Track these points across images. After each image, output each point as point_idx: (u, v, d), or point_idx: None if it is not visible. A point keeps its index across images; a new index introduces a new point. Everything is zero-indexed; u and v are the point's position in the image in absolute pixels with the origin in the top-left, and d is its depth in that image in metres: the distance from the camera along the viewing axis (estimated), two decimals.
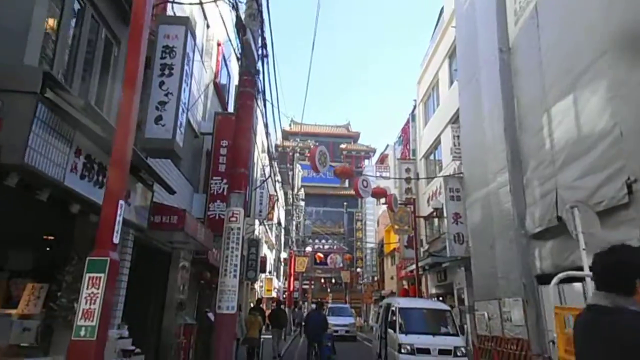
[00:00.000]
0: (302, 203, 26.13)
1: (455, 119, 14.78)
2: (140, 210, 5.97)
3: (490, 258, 11.12)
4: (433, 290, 17.53)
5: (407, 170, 20.37)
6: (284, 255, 32.99)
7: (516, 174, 10.13)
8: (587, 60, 7.45)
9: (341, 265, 35.96)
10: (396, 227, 14.24)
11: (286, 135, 61.26)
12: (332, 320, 18.21)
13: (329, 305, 23.77)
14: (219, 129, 10.17)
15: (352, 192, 50.12)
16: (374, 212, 40.69)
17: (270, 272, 24.97)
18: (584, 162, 7.38)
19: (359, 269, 39.63)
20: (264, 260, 21.16)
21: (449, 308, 10.07)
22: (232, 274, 5.97)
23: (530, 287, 9.45)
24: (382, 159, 46.94)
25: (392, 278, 25.57)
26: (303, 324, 16.00)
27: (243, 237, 6.10)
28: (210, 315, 11.23)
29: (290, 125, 64.94)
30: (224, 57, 12.36)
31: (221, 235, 6.15)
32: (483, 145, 11.76)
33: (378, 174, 44.10)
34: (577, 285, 6.98)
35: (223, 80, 12.90)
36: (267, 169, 22.51)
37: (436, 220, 18.25)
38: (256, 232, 19.23)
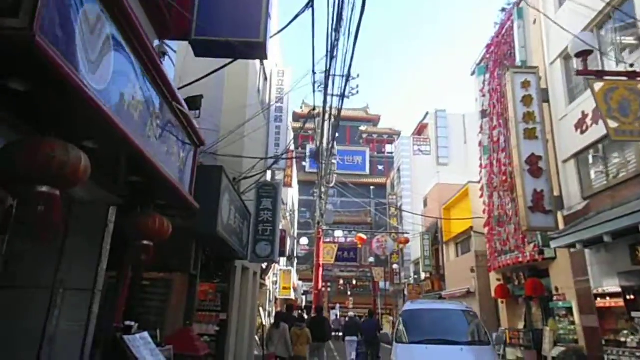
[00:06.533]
0: (335, 162, 18.02)
1: None
2: None
3: None
4: (609, 288, 9.19)
5: (525, 84, 12.08)
6: (304, 242, 24.73)
7: None
8: None
9: (392, 249, 27.31)
10: (614, 126, 6.12)
11: (297, 117, 53.35)
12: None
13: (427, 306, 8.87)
14: None
15: (380, 180, 41.43)
16: (412, 192, 32.28)
17: (290, 260, 16.67)
18: None
19: (394, 265, 31.17)
20: (284, 236, 12.91)
21: None
22: None
23: None
24: (420, 130, 38.42)
25: (472, 270, 17.10)
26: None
27: None
28: (135, 340, 3.01)
29: (301, 107, 57.13)
30: None
31: None
32: None
33: (417, 149, 35.78)
34: None
35: None
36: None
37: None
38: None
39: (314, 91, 10.02)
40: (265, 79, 13.39)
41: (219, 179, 6.08)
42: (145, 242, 3.58)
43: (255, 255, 8.83)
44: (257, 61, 11.79)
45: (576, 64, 8.56)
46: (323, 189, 17.12)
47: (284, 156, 11.47)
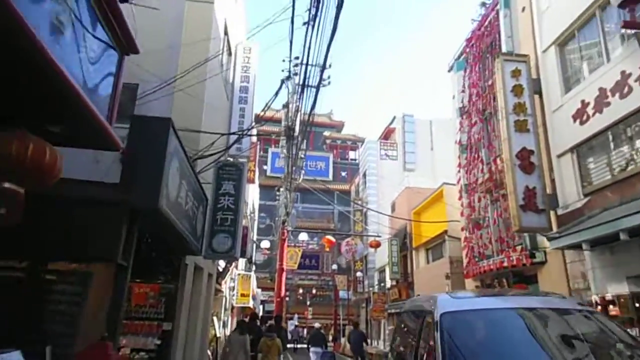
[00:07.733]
0: (303, 157, 16.38)
1: None
2: None
3: None
4: (615, 294, 8.19)
5: (516, 73, 11.14)
6: (265, 244, 22.94)
7: None
8: None
9: (362, 254, 26.10)
10: None
11: (258, 119, 51.47)
12: None
13: None
14: None
15: (343, 186, 40.43)
16: (379, 198, 31.22)
17: (250, 263, 14.91)
18: None
19: (358, 273, 29.88)
20: (246, 233, 11.25)
21: None
22: None
23: None
24: (387, 134, 37.57)
25: (447, 277, 16.00)
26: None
27: None
28: None
29: (263, 110, 55.12)
30: None
31: None
32: None
33: (383, 153, 34.82)
34: None
35: None
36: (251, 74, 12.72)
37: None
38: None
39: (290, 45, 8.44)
40: (230, 53, 11.79)
41: (164, 136, 4.43)
42: (8, 185, 1.92)
43: (212, 250, 7.14)
44: (220, 28, 10.19)
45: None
46: (291, 182, 15.57)
47: (249, 133, 9.87)
